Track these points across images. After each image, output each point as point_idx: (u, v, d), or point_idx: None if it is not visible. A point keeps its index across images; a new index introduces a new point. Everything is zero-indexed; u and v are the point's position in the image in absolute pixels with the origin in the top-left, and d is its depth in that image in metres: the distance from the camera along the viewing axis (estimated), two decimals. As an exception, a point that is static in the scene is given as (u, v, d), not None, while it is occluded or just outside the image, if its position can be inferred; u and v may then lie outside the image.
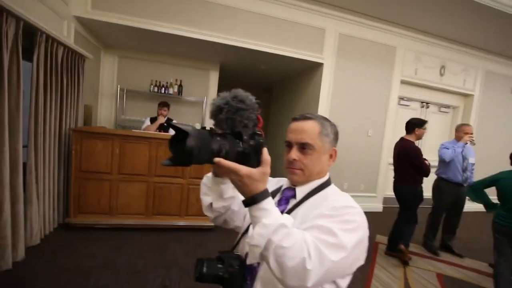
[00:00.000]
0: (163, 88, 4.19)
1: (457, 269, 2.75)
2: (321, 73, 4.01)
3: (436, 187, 3.07)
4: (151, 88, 4.15)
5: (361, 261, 0.64)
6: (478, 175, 2.83)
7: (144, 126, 3.53)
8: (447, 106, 5.10)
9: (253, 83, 6.42)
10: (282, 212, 0.73)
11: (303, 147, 0.73)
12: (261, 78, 5.77)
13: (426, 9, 3.59)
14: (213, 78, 4.67)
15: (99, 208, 2.73)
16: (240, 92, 0.59)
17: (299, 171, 0.74)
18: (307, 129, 0.74)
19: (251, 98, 0.60)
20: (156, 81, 4.20)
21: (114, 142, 2.71)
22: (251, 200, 0.56)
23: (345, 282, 0.68)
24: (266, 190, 0.58)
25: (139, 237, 2.69)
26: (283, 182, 0.87)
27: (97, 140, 2.66)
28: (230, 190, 0.73)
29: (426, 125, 2.80)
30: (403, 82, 4.45)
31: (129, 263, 2.22)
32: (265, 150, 0.58)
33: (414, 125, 2.75)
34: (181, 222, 2.95)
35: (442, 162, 2.96)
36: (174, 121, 0.53)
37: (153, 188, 2.86)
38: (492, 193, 2.27)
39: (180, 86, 4.30)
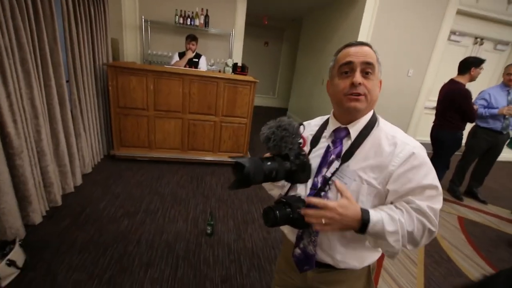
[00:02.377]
0: (189, 19, 3.91)
1: (479, 214, 2.83)
2: (363, 6, 3.50)
3: (473, 132, 2.94)
4: (176, 19, 3.88)
5: None
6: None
7: (173, 61, 3.44)
8: (506, 43, 4.43)
9: (281, 12, 5.81)
10: (340, 153, 0.75)
11: (367, 70, 0.69)
12: (290, 7, 5.18)
13: None
14: (241, 8, 4.23)
15: (139, 142, 2.91)
16: (284, 121, 0.66)
17: (363, 97, 0.69)
18: (368, 52, 0.70)
19: (293, 125, 0.66)
20: (181, 11, 3.89)
21: (148, 78, 2.71)
22: (362, 226, 0.61)
23: None
24: (363, 209, 0.62)
25: (177, 169, 2.92)
26: (322, 121, 0.86)
27: (131, 76, 2.67)
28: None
29: (483, 65, 2.51)
30: (459, 12, 3.82)
31: (171, 191, 2.48)
32: (340, 184, 0.65)
33: (471, 64, 2.47)
34: (215, 158, 3.13)
35: None
36: (234, 157, 0.59)
37: (187, 124, 2.96)
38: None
39: (207, 16, 3.98)
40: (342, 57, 0.72)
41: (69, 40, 2.17)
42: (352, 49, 0.70)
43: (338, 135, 0.76)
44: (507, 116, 2.71)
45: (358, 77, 0.67)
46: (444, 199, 3.03)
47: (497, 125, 2.77)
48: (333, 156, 0.75)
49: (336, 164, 0.73)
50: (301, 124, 0.71)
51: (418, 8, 3.63)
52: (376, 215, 0.62)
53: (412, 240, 0.64)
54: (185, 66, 3.31)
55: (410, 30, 3.73)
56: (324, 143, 0.80)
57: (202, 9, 3.95)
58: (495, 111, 2.71)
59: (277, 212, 0.66)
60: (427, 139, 2.89)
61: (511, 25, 4.17)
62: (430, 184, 0.64)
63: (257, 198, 2.53)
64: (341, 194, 0.63)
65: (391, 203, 0.68)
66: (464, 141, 2.89)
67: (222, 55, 4.29)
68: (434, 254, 2.06)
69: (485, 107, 2.77)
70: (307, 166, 0.71)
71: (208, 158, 3.11)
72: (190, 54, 3.41)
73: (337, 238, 0.73)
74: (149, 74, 2.69)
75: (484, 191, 3.20)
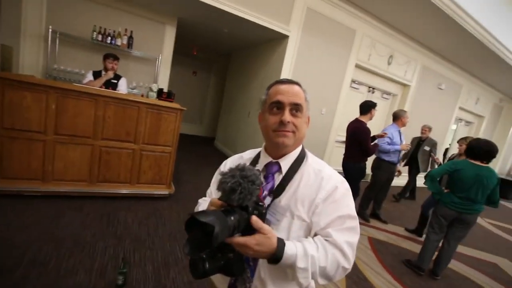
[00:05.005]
0: (109, 38, 3.59)
1: (383, 233, 3.28)
2: (285, 46, 3.97)
3: (377, 166, 3.48)
4: (94, 36, 3.50)
5: None
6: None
7: (85, 80, 3.01)
8: (389, 93, 5.67)
9: (211, 45, 6.01)
10: (272, 188, 0.75)
11: (296, 109, 0.72)
12: (221, 41, 5.43)
13: (389, -3, 3.76)
14: (169, 34, 4.18)
15: (29, 172, 2.31)
16: (248, 170, 0.60)
17: (291, 133, 0.72)
18: (298, 92, 0.74)
19: (257, 175, 0.62)
20: (100, 27, 3.55)
21: (49, 96, 2.25)
22: (275, 259, 0.61)
23: None
24: (279, 241, 0.62)
25: (81, 206, 2.41)
26: (253, 154, 0.86)
27: (25, 91, 2.17)
28: None
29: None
30: (357, 66, 4.72)
31: (71, 233, 2.00)
32: (255, 219, 0.61)
33: (371, 106, 3.00)
34: (132, 190, 2.74)
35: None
36: (195, 215, 0.50)
37: (98, 152, 2.54)
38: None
39: (131, 37, 3.74)
40: (273, 94, 0.74)
41: None
42: (282, 87, 0.74)
43: (270, 169, 0.77)
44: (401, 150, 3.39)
45: (286, 116, 0.71)
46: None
47: (395, 158, 3.39)
48: (265, 192, 0.75)
49: (268, 200, 0.73)
50: (259, 170, 0.70)
51: (328, 57, 4.32)
52: (291, 249, 0.62)
53: (324, 275, 0.65)
54: (101, 87, 2.94)
55: (323, 75, 4.37)
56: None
57: (126, 29, 3.72)
58: (398, 147, 3.30)
59: (206, 263, 0.58)
60: (340, 168, 3.28)
61: (391, 80, 5.38)
62: (349, 214, 0.70)
63: (181, 234, 2.28)
64: (259, 231, 0.60)
65: (315, 235, 0.70)
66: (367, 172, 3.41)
67: (145, 80, 4.04)
68: (353, 276, 2.22)
69: (389, 144, 3.32)
70: (264, 216, 0.67)
71: (124, 190, 2.70)
72: (110, 74, 3.07)
73: (271, 279, 0.70)
74: (51, 91, 2.25)
75: (384, 212, 3.76)
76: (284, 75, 4.04)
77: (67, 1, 3.45)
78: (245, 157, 0.88)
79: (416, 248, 2.94)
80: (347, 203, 0.72)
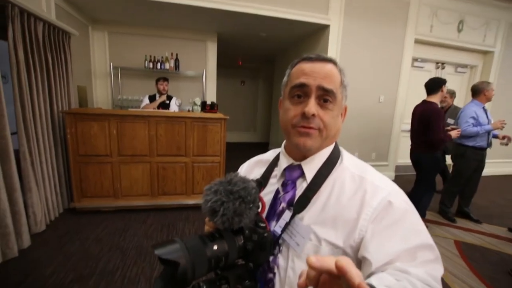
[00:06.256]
0: (159, 63, 3.96)
1: (475, 235, 2.65)
2: (328, 37, 3.69)
3: (461, 154, 2.84)
4: (146, 64, 3.91)
5: None
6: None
7: (143, 104, 3.36)
8: (465, 66, 4.71)
9: (254, 53, 6.07)
10: (292, 199, 0.56)
11: (326, 98, 0.52)
12: (262, 47, 5.43)
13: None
14: (211, 50, 4.37)
15: (102, 191, 2.66)
16: (236, 182, 0.45)
17: (315, 131, 0.53)
18: (330, 73, 0.53)
19: (249, 187, 0.46)
20: (150, 56, 3.95)
21: (110, 123, 2.56)
22: None
23: None
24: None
25: (146, 218, 2.64)
26: (274, 154, 0.68)
27: (91, 121, 2.52)
28: None
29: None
30: (417, 41, 4.07)
31: (136, 244, 2.18)
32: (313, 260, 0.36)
33: (439, 83, 2.49)
34: (188, 201, 2.88)
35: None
36: (157, 248, 0.38)
37: (156, 168, 2.76)
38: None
39: (177, 60, 4.05)
40: (295, 74, 0.55)
41: (18, 89, 2.04)
42: (309, 66, 0.54)
43: (290, 175, 0.59)
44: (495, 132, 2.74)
45: (311, 107, 0.51)
46: (438, 223, 2.85)
47: (484, 142, 2.73)
48: (283, 204, 0.57)
49: (287, 215, 0.55)
50: (259, 181, 0.53)
51: (379, 39, 3.84)
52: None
53: None
54: (158, 109, 3.23)
55: (376, 59, 3.89)
56: (273, 185, 0.62)
57: (172, 53, 4.04)
58: (488, 126, 2.66)
59: None
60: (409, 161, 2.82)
61: (465, 50, 4.47)
62: (422, 244, 0.45)
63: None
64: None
65: (370, 275, 0.45)
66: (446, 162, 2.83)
67: (195, 96, 4.29)
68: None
69: (474, 125, 2.70)
70: (268, 242, 0.49)
71: (182, 202, 2.86)
72: (163, 98, 3.36)
73: None
74: (111, 118, 2.56)
75: (475, 210, 3.06)
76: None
77: (122, 38, 3.95)
78: (264, 158, 0.71)
79: (526, 254, 2.27)
80: (413, 226, 0.48)
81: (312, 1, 3.47)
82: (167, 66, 3.97)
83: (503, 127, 2.67)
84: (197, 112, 3.20)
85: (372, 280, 0.38)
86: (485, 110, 2.76)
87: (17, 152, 2.04)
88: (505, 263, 2.17)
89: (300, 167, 0.58)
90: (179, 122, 2.74)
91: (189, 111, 3.50)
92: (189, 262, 0.38)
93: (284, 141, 0.64)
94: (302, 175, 0.58)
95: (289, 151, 0.62)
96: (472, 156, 2.78)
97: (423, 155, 2.59)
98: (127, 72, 4.01)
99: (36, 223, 2.24)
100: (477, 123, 2.69)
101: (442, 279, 1.92)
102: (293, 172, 0.59)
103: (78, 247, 2.11)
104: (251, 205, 0.46)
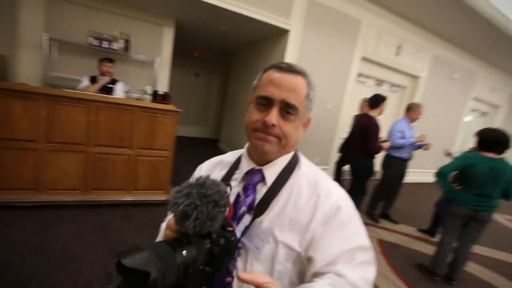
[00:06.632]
0: (106, 42, 3.54)
1: (393, 234, 3.08)
2: (286, 41, 3.81)
3: (387, 163, 3.27)
4: (89, 41, 3.46)
5: None
6: (418, 154, 3.09)
7: (82, 85, 2.97)
8: (398, 86, 5.40)
9: (212, 45, 5.91)
10: (252, 203, 0.58)
11: (288, 110, 0.56)
12: (221, 41, 5.32)
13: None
14: (168, 36, 4.10)
15: (21, 183, 2.27)
16: (209, 185, 0.45)
17: (274, 138, 0.56)
18: (297, 87, 0.56)
19: (222, 191, 0.46)
20: (96, 32, 3.51)
21: (40, 103, 2.20)
22: None
23: None
24: None
25: (76, 215, 2.35)
26: (235, 157, 0.69)
27: (15, 99, 2.12)
28: None
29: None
30: (363, 58, 4.50)
31: (62, 246, 1.93)
32: (243, 275, 0.42)
33: (380, 100, 2.81)
34: (128, 198, 2.66)
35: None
36: (122, 256, 0.35)
37: (92, 159, 2.47)
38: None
39: (127, 41, 3.69)
40: (264, 82, 0.58)
41: None
42: (278, 76, 0.56)
43: (251, 179, 0.61)
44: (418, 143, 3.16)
45: (272, 117, 0.54)
46: (365, 223, 3.20)
47: (406, 154, 3.17)
48: (244, 208, 0.59)
49: (247, 219, 0.57)
50: (228, 184, 0.52)
51: (333, 51, 4.13)
52: None
53: None
54: (98, 93, 2.89)
55: (327, 69, 4.18)
56: (234, 188, 0.62)
57: (122, 33, 3.66)
58: (412, 139, 3.07)
59: None
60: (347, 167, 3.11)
61: (399, 72, 5.11)
62: (361, 246, 0.53)
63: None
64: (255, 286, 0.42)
65: (314, 274, 0.52)
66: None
67: (145, 83, 3.96)
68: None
69: (401, 138, 3.09)
70: (234, 246, 0.50)
71: (120, 198, 2.63)
72: (106, 79, 3.02)
73: None
74: (42, 98, 2.20)
75: (394, 212, 3.54)
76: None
77: (63, 8, 3.42)
78: (225, 160, 0.71)
79: (429, 250, 2.73)
80: (356, 229, 0.55)
81: (275, 3, 3.53)
82: (115, 46, 3.58)
83: (423, 140, 3.17)
84: (147, 101, 2.98)
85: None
86: (411, 127, 3.21)
87: None
88: (413, 258, 2.58)
89: (261, 171, 0.60)
90: (125, 111, 2.51)
91: (137, 99, 3.23)
92: (160, 271, 0.36)
93: (247, 144, 0.65)
94: (263, 180, 0.60)
95: (251, 155, 0.63)
96: (396, 165, 3.21)
97: (359, 161, 2.89)
98: (64, 47, 3.47)
99: None
100: (403, 137, 3.11)
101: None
102: (254, 177, 0.61)
103: (-17, 248, 1.77)
104: (223, 209, 0.45)
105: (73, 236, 2.06)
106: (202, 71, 7.03)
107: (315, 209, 0.54)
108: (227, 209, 0.48)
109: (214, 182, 0.46)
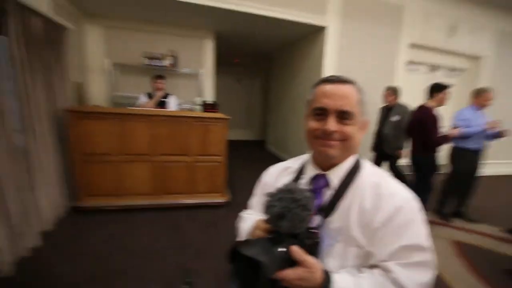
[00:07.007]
0: (157, 60, 3.88)
1: (471, 235, 2.73)
2: (323, 38, 3.74)
3: (456, 155, 2.93)
4: (143, 61, 3.83)
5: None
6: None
7: (140, 101, 3.30)
8: (456, 69, 4.88)
9: (251, 51, 6.05)
10: (320, 206, 0.63)
11: (344, 116, 0.60)
12: (260, 45, 5.42)
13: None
14: (209, 48, 4.34)
15: (106, 190, 2.63)
16: (299, 193, 0.51)
17: (336, 143, 0.61)
18: (348, 94, 0.61)
19: (308, 197, 0.52)
20: (148, 52, 3.87)
21: (113, 122, 2.52)
22: None
23: None
24: (326, 276, 0.52)
25: (151, 217, 2.62)
26: (299, 163, 0.74)
27: (93, 120, 2.47)
28: None
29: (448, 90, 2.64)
30: (411, 45, 4.18)
31: (144, 245, 2.17)
32: (296, 249, 0.50)
33: (435, 89, 2.58)
34: (191, 200, 2.87)
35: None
36: (239, 248, 0.47)
37: (158, 167, 2.74)
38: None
39: (175, 57, 3.99)
40: (317, 96, 0.64)
41: (23, 87, 1.96)
42: (329, 89, 0.62)
43: (317, 184, 0.66)
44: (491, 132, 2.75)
45: (330, 125, 0.60)
46: (434, 223, 2.91)
47: (476, 144, 2.80)
48: None
49: (317, 220, 0.62)
50: (310, 190, 0.60)
51: (375, 42, 3.93)
52: (342, 282, 0.53)
53: None
54: (154, 107, 3.17)
55: (371, 62, 3.98)
56: None
57: (169, 49, 3.97)
58: (478, 128, 2.71)
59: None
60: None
61: (457, 54, 4.61)
62: (418, 244, 0.56)
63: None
64: (300, 264, 0.50)
65: (370, 266, 0.58)
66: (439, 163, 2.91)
67: (193, 95, 4.24)
68: None
69: (467, 127, 2.75)
70: (318, 246, 0.57)
71: (184, 201, 2.85)
72: (160, 94, 3.30)
73: None
74: (113, 117, 2.52)
75: (470, 210, 3.13)
76: (327, 67, 3.81)
77: (119, 34, 3.86)
78: (290, 166, 0.77)
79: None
80: (417, 229, 0.57)
81: (310, 3, 3.50)
82: (164, 63, 3.91)
83: (496, 127, 2.73)
84: (198, 111, 3.17)
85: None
86: (480, 114, 2.84)
87: (21, 150, 1.97)
88: (500, 262, 2.23)
89: (325, 177, 0.65)
90: (180, 122, 2.72)
91: (189, 110, 3.46)
92: (267, 261, 0.43)
93: (311, 152, 0.70)
94: (327, 184, 0.65)
95: (316, 161, 0.68)
96: (466, 157, 2.87)
97: (420, 157, 2.69)
98: (123, 69, 3.92)
99: (43, 221, 2.19)
100: (468, 126, 2.75)
101: (440, 278, 1.98)
102: (320, 181, 0.66)
103: (86, 246, 2.09)
104: (309, 212, 0.51)
105: (151, 236, 2.30)
106: (244, 76, 7.27)
107: (377, 209, 0.58)
108: (312, 212, 0.53)
109: (301, 190, 0.52)
